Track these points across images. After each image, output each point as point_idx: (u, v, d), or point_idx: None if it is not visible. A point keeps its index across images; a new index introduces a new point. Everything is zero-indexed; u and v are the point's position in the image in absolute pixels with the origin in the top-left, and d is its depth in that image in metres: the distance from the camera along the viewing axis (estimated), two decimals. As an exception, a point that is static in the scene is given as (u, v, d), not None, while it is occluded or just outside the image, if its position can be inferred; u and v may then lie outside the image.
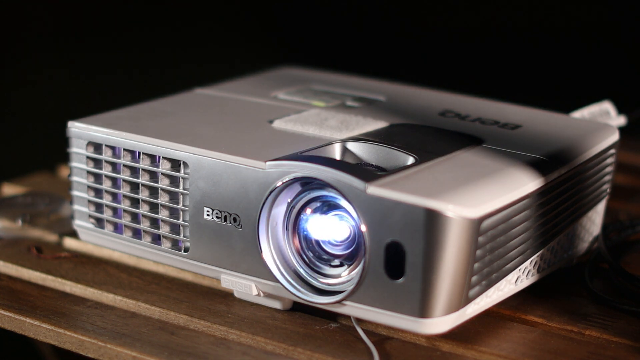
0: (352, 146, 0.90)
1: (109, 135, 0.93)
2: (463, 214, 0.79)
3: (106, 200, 0.94)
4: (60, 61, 2.04)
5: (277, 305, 0.91)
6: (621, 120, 1.09)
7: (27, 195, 1.12)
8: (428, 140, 0.92)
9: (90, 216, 0.96)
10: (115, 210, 0.95)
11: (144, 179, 0.92)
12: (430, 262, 0.79)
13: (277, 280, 0.86)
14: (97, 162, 0.94)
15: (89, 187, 0.95)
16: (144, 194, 0.92)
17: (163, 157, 0.90)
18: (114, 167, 0.94)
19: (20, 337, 0.94)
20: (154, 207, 0.92)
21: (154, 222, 0.92)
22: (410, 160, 0.87)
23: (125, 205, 0.93)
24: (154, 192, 0.92)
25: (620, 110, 1.10)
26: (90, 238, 0.97)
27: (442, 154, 0.88)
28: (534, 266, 0.90)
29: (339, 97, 1.05)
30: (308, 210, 0.86)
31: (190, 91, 1.07)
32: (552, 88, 1.86)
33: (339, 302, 0.84)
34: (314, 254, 0.87)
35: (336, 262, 0.86)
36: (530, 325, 0.89)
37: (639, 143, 1.31)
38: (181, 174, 0.90)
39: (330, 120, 0.95)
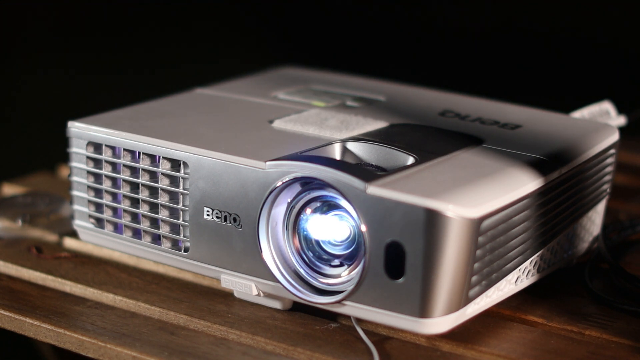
0: (352, 146, 0.90)
1: (109, 135, 0.93)
2: (463, 214, 0.79)
3: (106, 200, 0.94)
4: (61, 61, 2.04)
5: (277, 305, 0.91)
6: (621, 120, 1.09)
7: (27, 195, 1.12)
8: (428, 140, 0.92)
9: (90, 216, 0.96)
10: (115, 210, 0.95)
11: (144, 179, 0.92)
12: (430, 262, 0.79)
13: (277, 280, 0.86)
14: (97, 162, 0.94)
15: (89, 187, 0.95)
16: (144, 194, 0.92)
17: (163, 157, 0.90)
18: (114, 167, 0.94)
19: (20, 337, 0.94)
20: (154, 207, 0.92)
21: (154, 222, 0.92)
22: (410, 160, 0.87)
23: (125, 205, 0.93)
24: (154, 192, 0.92)
25: (620, 110, 1.10)
26: (90, 238, 0.97)
27: (442, 154, 0.88)
28: (534, 266, 0.91)
29: (339, 97, 1.05)
30: (308, 210, 0.86)
31: (190, 91, 1.07)
32: (552, 88, 1.86)
33: (339, 302, 0.84)
34: (314, 254, 0.87)
35: (336, 262, 0.86)
36: (530, 325, 0.89)
37: (639, 143, 1.31)
38: (181, 174, 0.90)
39: (330, 120, 0.95)
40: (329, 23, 2.06)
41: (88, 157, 0.95)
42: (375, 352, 0.83)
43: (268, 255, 0.86)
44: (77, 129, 0.95)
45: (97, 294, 0.95)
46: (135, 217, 0.94)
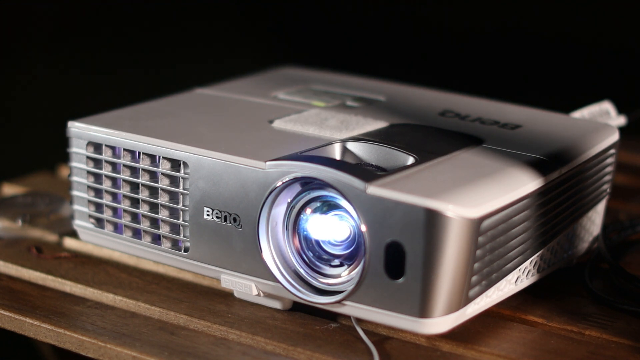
0: (352, 146, 0.90)
1: (109, 135, 0.93)
2: (463, 214, 0.79)
3: (106, 200, 0.94)
4: (61, 61, 2.04)
5: (277, 305, 0.91)
6: (621, 120, 1.09)
7: (27, 195, 1.12)
8: (428, 140, 0.92)
9: (90, 216, 0.96)
10: (115, 210, 0.95)
11: (144, 179, 0.92)
12: (430, 262, 0.79)
13: (277, 280, 0.86)
14: (97, 162, 0.94)
15: (89, 187, 0.95)
16: (144, 194, 0.92)
17: (163, 157, 0.91)
18: (114, 167, 0.94)
19: (20, 337, 0.94)
20: (154, 207, 0.92)
21: (154, 222, 0.92)
22: (410, 160, 0.87)
23: (125, 205, 0.93)
24: (154, 192, 0.92)
25: (620, 110, 1.10)
26: (90, 238, 0.97)
27: (442, 154, 0.88)
28: (534, 266, 0.91)
29: (339, 97, 1.05)
30: (308, 210, 0.86)
31: (190, 91, 1.08)
32: (552, 88, 1.86)
33: (339, 302, 0.84)
34: (314, 254, 0.87)
35: (336, 262, 0.86)
36: (530, 325, 0.89)
37: (639, 143, 1.31)
38: (181, 174, 0.90)
39: (330, 120, 0.95)
40: (329, 23, 2.06)
41: (88, 157, 0.95)
42: (375, 352, 0.83)
43: (268, 255, 0.86)
44: (77, 129, 0.95)
45: (97, 294, 0.95)
46: (135, 217, 0.94)
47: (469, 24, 1.94)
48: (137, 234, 0.94)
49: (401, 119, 0.98)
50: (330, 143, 0.90)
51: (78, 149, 0.95)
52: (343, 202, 0.84)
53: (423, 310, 0.80)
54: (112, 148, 0.94)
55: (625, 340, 0.86)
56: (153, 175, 0.92)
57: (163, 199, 0.91)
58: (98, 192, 0.95)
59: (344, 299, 0.83)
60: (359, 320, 0.87)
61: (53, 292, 0.96)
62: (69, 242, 1.05)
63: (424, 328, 0.81)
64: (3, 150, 1.94)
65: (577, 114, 1.06)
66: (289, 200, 0.86)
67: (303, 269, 0.87)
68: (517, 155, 0.89)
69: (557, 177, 0.89)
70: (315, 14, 2.07)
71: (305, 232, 0.86)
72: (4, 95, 2.01)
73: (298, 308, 0.90)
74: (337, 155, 0.89)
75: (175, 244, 0.92)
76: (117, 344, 0.86)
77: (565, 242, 0.95)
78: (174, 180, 0.91)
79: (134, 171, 0.92)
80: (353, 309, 0.84)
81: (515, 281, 0.89)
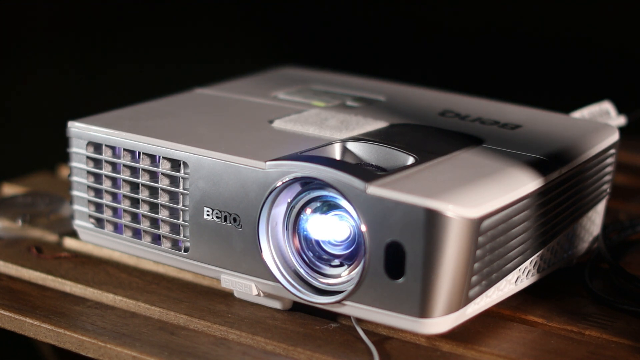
0: (352, 146, 0.90)
1: (109, 135, 0.93)
2: (463, 214, 0.79)
3: (106, 200, 0.94)
4: (60, 61, 2.04)
5: (277, 305, 0.91)
6: (621, 120, 1.09)
7: (27, 195, 1.12)
8: (428, 140, 0.92)
9: (90, 216, 0.96)
10: (115, 210, 0.95)
11: (144, 179, 0.92)
12: (430, 262, 0.79)
13: (277, 280, 0.87)
14: (97, 162, 0.94)
15: (89, 187, 0.95)
16: (144, 194, 0.92)
17: (163, 157, 0.91)
18: (114, 167, 0.94)
19: (20, 337, 0.94)
20: (154, 207, 0.92)
21: (154, 222, 0.92)
22: (410, 160, 0.87)
23: (125, 205, 0.93)
24: (154, 192, 0.92)
25: (620, 110, 1.10)
26: (90, 238, 0.97)
27: (442, 154, 0.88)
28: (534, 266, 0.91)
29: (339, 97, 1.05)
30: (308, 210, 0.86)
31: (190, 91, 1.08)
32: (552, 88, 1.86)
33: (339, 302, 0.84)
34: (314, 254, 0.87)
35: (336, 262, 0.86)
36: (530, 325, 0.89)
37: (639, 143, 1.31)
38: (181, 174, 0.90)
39: (330, 120, 0.95)
40: (329, 23, 2.06)
41: (88, 157, 0.95)
42: (375, 352, 0.83)
43: (268, 255, 0.86)
44: (77, 129, 0.95)
45: (97, 294, 0.95)
46: (135, 217, 0.94)
47: (469, 24, 1.94)
48: (137, 234, 0.94)
49: (401, 119, 0.98)
50: (330, 143, 0.90)
51: (78, 149, 0.95)
52: (343, 202, 0.84)
53: (423, 310, 0.80)
54: (112, 148, 0.94)
55: (625, 340, 0.86)
56: (153, 175, 0.92)
57: (163, 199, 0.91)
58: (98, 192, 0.95)
59: (344, 299, 0.83)
60: (359, 320, 0.87)
61: (53, 292, 0.96)
62: (69, 242, 1.05)
63: (424, 328, 0.81)
64: (3, 150, 1.94)
65: (577, 114, 1.06)
66: (289, 200, 0.86)
67: (303, 269, 0.87)
68: (517, 155, 0.89)
69: (557, 177, 0.89)
70: (315, 14, 2.07)
71: (305, 232, 0.86)
72: (4, 95, 2.01)
73: (298, 308, 0.90)
74: (337, 155, 0.89)
75: (175, 244, 0.92)
76: (117, 344, 0.86)
77: (565, 242, 0.95)
78: (174, 180, 0.91)
79: (134, 171, 0.93)
80: (353, 309, 0.84)
81: (515, 281, 0.89)
